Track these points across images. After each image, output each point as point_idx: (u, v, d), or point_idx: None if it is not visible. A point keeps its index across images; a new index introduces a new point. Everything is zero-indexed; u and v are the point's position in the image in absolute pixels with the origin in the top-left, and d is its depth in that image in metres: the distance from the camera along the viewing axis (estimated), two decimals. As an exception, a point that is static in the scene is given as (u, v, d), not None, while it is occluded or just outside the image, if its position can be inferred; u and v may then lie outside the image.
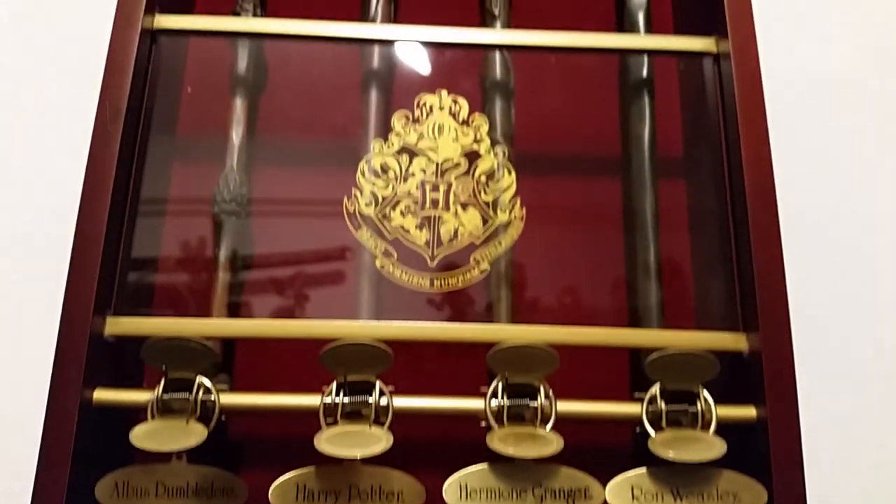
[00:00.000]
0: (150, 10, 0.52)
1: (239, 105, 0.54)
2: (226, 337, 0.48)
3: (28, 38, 0.61)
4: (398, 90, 0.54)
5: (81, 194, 0.46)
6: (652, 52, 0.55)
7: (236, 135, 0.53)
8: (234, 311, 0.49)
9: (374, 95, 0.54)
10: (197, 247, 0.52)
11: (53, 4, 0.62)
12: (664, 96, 0.57)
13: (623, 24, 0.58)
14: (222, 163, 0.52)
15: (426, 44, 0.53)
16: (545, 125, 0.56)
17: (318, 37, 0.53)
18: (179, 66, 0.56)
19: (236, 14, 0.56)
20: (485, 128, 0.52)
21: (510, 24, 0.58)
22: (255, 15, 0.56)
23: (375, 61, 0.55)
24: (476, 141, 0.51)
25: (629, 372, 0.51)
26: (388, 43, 0.54)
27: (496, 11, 0.58)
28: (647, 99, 0.55)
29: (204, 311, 0.49)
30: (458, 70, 0.55)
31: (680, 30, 0.59)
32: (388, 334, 0.45)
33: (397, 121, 0.51)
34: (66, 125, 0.57)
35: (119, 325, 0.46)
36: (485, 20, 0.58)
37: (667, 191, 0.54)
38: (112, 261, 0.47)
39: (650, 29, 0.57)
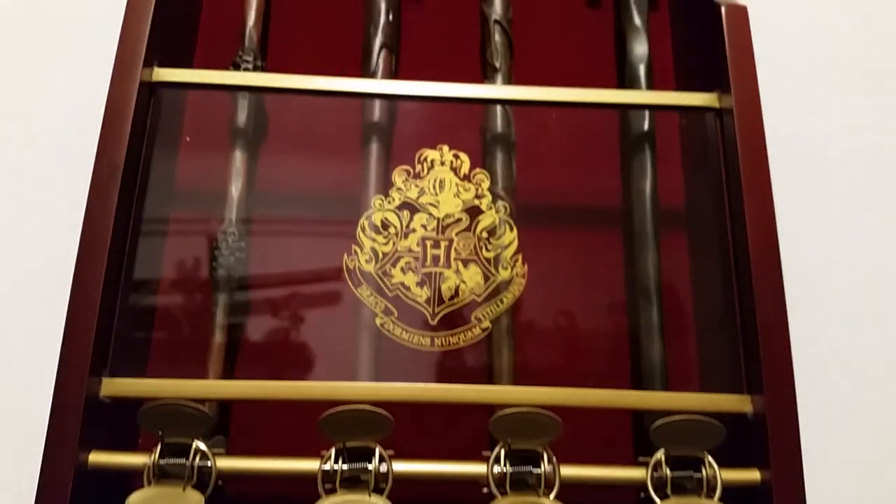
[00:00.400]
0: (149, 63, 0.51)
1: (238, 158, 0.54)
2: (222, 398, 0.47)
3: (25, 90, 0.61)
4: (399, 144, 0.54)
5: (78, 252, 0.46)
6: (654, 108, 0.55)
7: (235, 188, 0.53)
8: (231, 370, 0.48)
9: (374, 149, 0.54)
10: (194, 302, 0.51)
11: (51, 55, 0.62)
12: (666, 150, 0.57)
13: (624, 75, 0.58)
14: (221, 216, 0.52)
15: (427, 98, 0.53)
16: (546, 179, 0.56)
17: (318, 91, 0.52)
18: (178, 117, 0.55)
19: (236, 65, 0.56)
20: (486, 183, 0.51)
21: (511, 76, 0.58)
22: (255, 66, 0.56)
23: (376, 115, 0.54)
24: (477, 196, 0.51)
25: (632, 432, 0.51)
26: (389, 97, 0.54)
27: (497, 64, 0.58)
28: (648, 153, 0.55)
29: (201, 370, 0.48)
30: (459, 124, 0.55)
31: (681, 82, 0.59)
32: (388, 396, 0.45)
33: (398, 176, 0.51)
34: (63, 179, 0.56)
35: (115, 385, 0.45)
36: (486, 72, 0.58)
37: (669, 246, 0.54)
38: (108, 319, 0.46)
39: (651, 82, 0.57)
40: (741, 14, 0.54)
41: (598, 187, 0.57)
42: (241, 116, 0.55)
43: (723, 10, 0.53)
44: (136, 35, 0.51)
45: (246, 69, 0.56)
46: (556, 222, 0.55)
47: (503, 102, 0.54)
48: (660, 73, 0.59)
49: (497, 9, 0.59)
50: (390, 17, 0.58)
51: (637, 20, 0.59)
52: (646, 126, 0.56)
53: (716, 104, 0.53)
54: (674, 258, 0.55)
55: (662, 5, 0.64)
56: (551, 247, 0.53)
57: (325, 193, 0.54)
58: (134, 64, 0.50)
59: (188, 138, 0.56)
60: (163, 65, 0.52)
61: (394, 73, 0.57)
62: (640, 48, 0.58)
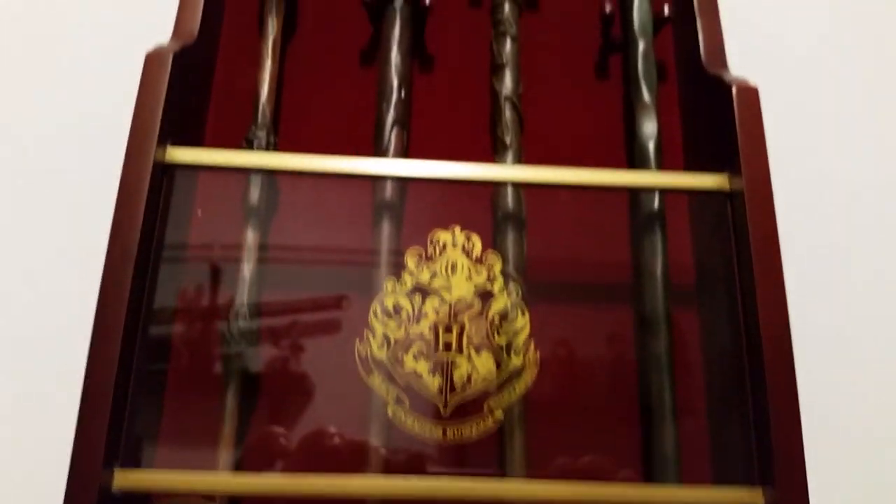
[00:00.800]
0: (163, 142, 0.52)
1: (250, 236, 0.54)
2: (232, 493, 0.47)
3: (38, 169, 0.61)
4: (411, 222, 0.54)
5: (91, 341, 0.46)
6: (664, 190, 0.55)
7: (247, 268, 0.53)
8: (241, 462, 0.48)
9: (386, 228, 0.54)
10: (205, 388, 0.51)
11: (63, 133, 0.62)
12: (677, 227, 0.57)
13: (634, 150, 0.59)
14: (232, 298, 0.52)
15: (439, 179, 0.53)
16: (557, 257, 0.56)
17: (330, 173, 0.52)
18: (190, 193, 0.56)
19: (249, 141, 0.56)
20: (498, 266, 0.51)
21: (521, 151, 0.58)
22: (268, 142, 0.56)
23: (388, 193, 0.55)
24: (489, 279, 0.51)
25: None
26: (401, 179, 0.54)
27: (508, 140, 0.58)
28: (659, 233, 0.55)
29: (211, 459, 0.48)
30: (471, 202, 0.55)
31: (691, 159, 0.60)
32: (400, 491, 0.45)
33: (410, 258, 0.51)
34: (75, 262, 0.56)
35: (128, 478, 0.45)
36: (496, 147, 0.58)
37: (681, 326, 0.54)
38: (120, 409, 0.46)
39: (660, 159, 0.57)
40: (752, 95, 0.54)
41: (609, 265, 0.57)
42: (254, 194, 0.55)
43: (734, 90, 0.54)
44: (149, 115, 0.51)
45: (259, 146, 0.56)
46: (568, 301, 0.55)
47: (514, 183, 0.55)
48: (669, 147, 0.59)
49: (507, 85, 0.59)
50: (402, 93, 0.58)
51: (646, 96, 0.59)
52: (656, 205, 0.56)
53: (726, 186, 0.53)
54: (686, 338, 0.55)
55: (671, 76, 0.64)
56: (563, 328, 0.53)
57: (336, 275, 0.54)
58: (147, 145, 0.50)
59: (200, 212, 0.57)
60: (176, 142, 0.53)
61: (405, 149, 0.57)
62: (649, 126, 0.58)
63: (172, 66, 0.52)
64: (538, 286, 0.54)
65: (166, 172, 0.52)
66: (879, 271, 0.59)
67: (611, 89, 0.63)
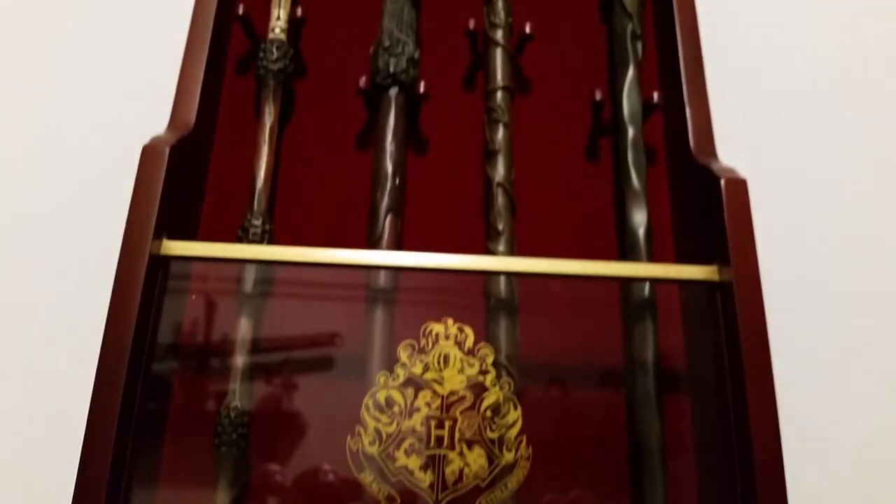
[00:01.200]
0: (158, 236, 0.52)
1: (244, 326, 0.54)
2: None
3: (32, 267, 0.61)
4: (403, 315, 0.55)
5: (84, 439, 0.46)
6: (654, 280, 0.55)
7: (240, 358, 0.53)
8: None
9: (379, 319, 0.54)
10: (197, 478, 0.51)
11: (57, 226, 0.62)
12: (667, 314, 0.57)
13: (625, 237, 0.59)
14: (224, 388, 0.52)
15: (432, 270, 0.54)
16: (549, 345, 0.56)
17: (324, 264, 0.53)
18: (184, 282, 0.56)
19: (245, 230, 0.57)
20: (490, 358, 0.52)
21: (514, 238, 0.59)
22: (263, 230, 0.57)
23: (381, 281, 0.55)
24: (482, 372, 0.51)
25: None
26: (394, 269, 0.54)
27: (500, 227, 0.59)
28: (650, 321, 0.56)
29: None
30: (463, 292, 0.56)
31: (681, 246, 0.60)
32: None
33: (403, 351, 0.51)
34: (70, 354, 0.57)
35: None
36: (489, 234, 0.59)
37: (673, 413, 0.54)
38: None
39: (651, 247, 0.58)
40: (740, 188, 0.55)
41: (600, 352, 0.57)
42: (248, 283, 0.55)
43: (722, 183, 0.54)
44: (145, 210, 0.51)
45: (254, 234, 0.57)
46: (559, 390, 0.56)
47: (506, 274, 0.55)
48: (659, 233, 0.60)
49: (500, 171, 0.60)
50: (396, 180, 0.59)
51: (636, 183, 0.60)
52: (646, 294, 0.57)
53: (715, 277, 0.54)
54: (677, 425, 0.55)
55: (661, 160, 0.65)
56: (554, 422, 0.53)
57: (329, 368, 0.54)
58: (143, 239, 0.51)
59: (193, 297, 0.57)
60: (171, 234, 0.53)
61: (399, 235, 0.58)
62: (639, 215, 0.59)
63: (169, 158, 0.53)
64: (531, 373, 0.54)
65: (161, 265, 0.53)
66: (872, 359, 0.60)
67: (602, 172, 0.64)
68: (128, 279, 0.50)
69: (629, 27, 0.65)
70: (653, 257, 0.58)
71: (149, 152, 0.53)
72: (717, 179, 0.55)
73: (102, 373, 0.47)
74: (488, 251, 0.58)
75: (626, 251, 0.59)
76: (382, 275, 0.55)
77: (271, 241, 0.58)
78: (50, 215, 0.63)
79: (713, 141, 0.61)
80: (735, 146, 0.62)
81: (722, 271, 0.53)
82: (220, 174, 0.62)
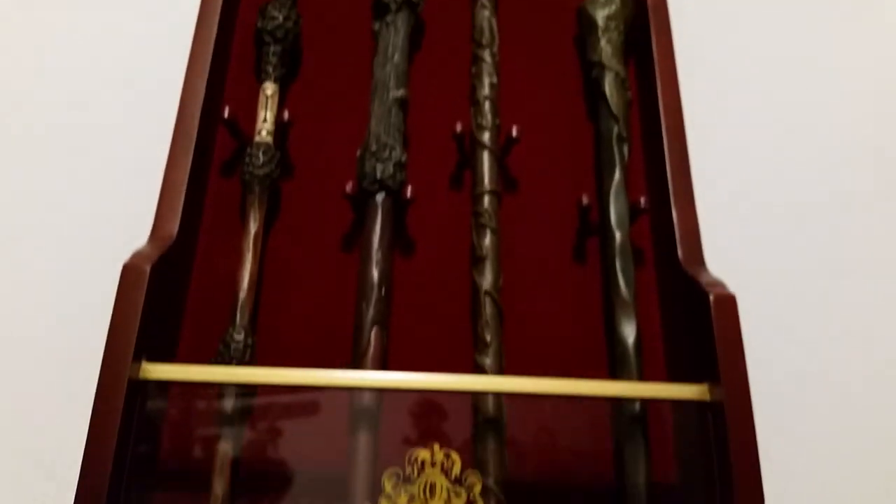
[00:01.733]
0: (137, 359, 0.51)
1: (223, 449, 0.53)
2: None
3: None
4: (388, 437, 0.53)
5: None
6: (645, 399, 0.55)
7: (219, 485, 0.52)
8: None
9: (362, 443, 0.53)
10: None
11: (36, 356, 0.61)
12: (659, 432, 0.56)
13: (615, 352, 0.58)
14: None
15: (418, 390, 0.53)
16: (539, 469, 0.55)
17: (307, 385, 0.52)
18: (164, 402, 0.55)
19: (226, 344, 0.55)
20: (478, 487, 0.50)
21: (502, 349, 0.58)
22: (245, 345, 0.56)
23: (365, 401, 0.54)
24: (469, 502, 0.50)
25: None
26: (380, 390, 0.53)
27: (488, 338, 0.58)
28: (641, 442, 0.55)
29: None
30: (450, 410, 0.55)
31: (672, 362, 0.60)
32: None
33: (388, 480, 0.50)
34: (48, 479, 0.55)
35: None
36: (477, 345, 0.58)
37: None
38: None
39: (640, 361, 0.57)
40: (730, 304, 0.54)
41: (591, 471, 0.56)
42: (228, 403, 0.54)
43: (711, 299, 0.54)
44: (124, 332, 0.50)
45: (236, 349, 0.55)
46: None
47: (495, 393, 0.54)
48: (649, 342, 0.59)
49: (487, 278, 0.60)
50: (382, 290, 0.58)
51: (624, 292, 0.60)
52: (637, 410, 0.56)
53: (706, 397, 0.53)
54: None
55: (649, 261, 0.65)
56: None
57: (311, 494, 0.53)
58: (122, 363, 0.49)
59: (172, 418, 0.56)
60: (151, 355, 0.52)
61: (385, 349, 0.57)
62: (628, 327, 0.58)
63: (150, 276, 0.52)
64: (520, 496, 0.53)
65: (140, 389, 0.51)
66: (867, 479, 0.59)
67: (590, 274, 0.64)
68: (106, 406, 0.48)
69: (615, 129, 0.65)
70: (643, 370, 0.58)
71: (129, 271, 0.52)
72: (706, 295, 0.54)
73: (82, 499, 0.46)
74: (476, 364, 0.57)
75: (616, 363, 0.58)
76: (367, 394, 0.54)
77: (253, 356, 0.56)
78: (27, 338, 0.61)
79: (701, 248, 0.60)
80: (722, 246, 0.62)
81: (713, 390, 0.53)
82: (202, 284, 0.60)
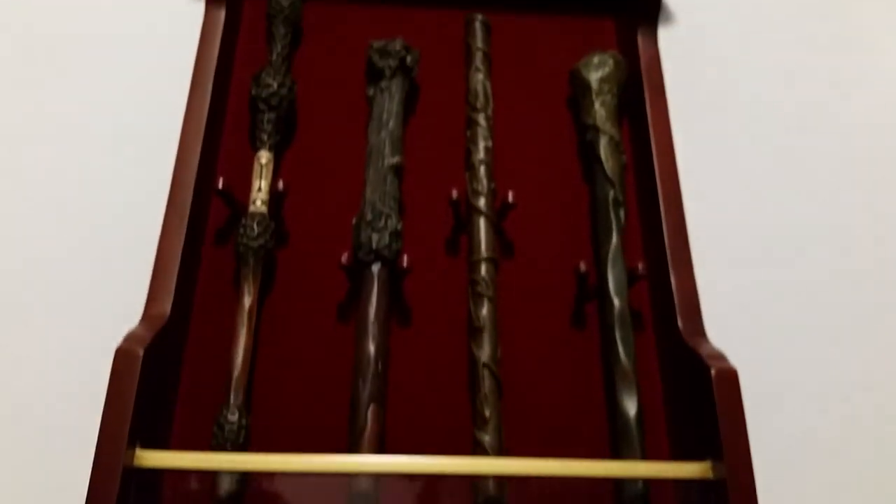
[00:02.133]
0: (132, 445, 0.50)
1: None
2: None
3: None
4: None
5: None
6: (648, 479, 0.54)
7: (215, 576, 0.51)
8: None
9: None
10: None
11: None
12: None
13: (616, 426, 0.58)
14: None
15: (417, 473, 0.52)
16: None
17: (302, 472, 0.51)
18: (157, 489, 0.53)
19: (220, 426, 0.54)
20: (479, 576, 0.49)
21: (501, 424, 0.57)
22: (239, 427, 0.55)
23: (363, 487, 0.53)
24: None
25: None
26: (378, 475, 0.52)
27: (487, 413, 0.57)
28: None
29: None
30: (450, 490, 0.54)
31: (673, 435, 0.59)
32: None
33: (387, 570, 0.49)
34: None
35: None
36: (476, 421, 0.57)
37: None
38: None
39: (643, 433, 0.57)
40: (731, 378, 0.53)
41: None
42: (223, 487, 0.53)
43: (712, 373, 0.53)
44: (117, 418, 0.49)
45: (230, 430, 0.54)
46: None
47: (496, 475, 0.53)
48: (650, 413, 0.59)
49: (486, 350, 0.59)
50: (379, 366, 0.57)
51: (624, 361, 0.59)
52: (640, 488, 0.55)
53: (709, 475, 0.52)
54: None
55: (648, 327, 0.64)
56: None
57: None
58: (115, 451, 0.48)
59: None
60: (144, 442, 0.51)
61: (382, 428, 0.56)
62: (629, 400, 0.57)
63: (143, 359, 0.51)
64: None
65: (134, 476, 0.50)
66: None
67: (589, 340, 0.63)
68: (101, 495, 0.47)
69: (611, 194, 0.65)
70: (645, 442, 0.57)
71: (122, 355, 0.51)
72: (708, 369, 0.54)
73: None
74: (475, 440, 0.56)
75: (617, 436, 0.57)
76: (365, 477, 0.53)
77: (248, 438, 0.55)
78: (18, 420, 0.60)
79: (700, 318, 0.60)
80: (721, 313, 0.62)
81: (715, 468, 0.52)
82: (196, 363, 0.59)
